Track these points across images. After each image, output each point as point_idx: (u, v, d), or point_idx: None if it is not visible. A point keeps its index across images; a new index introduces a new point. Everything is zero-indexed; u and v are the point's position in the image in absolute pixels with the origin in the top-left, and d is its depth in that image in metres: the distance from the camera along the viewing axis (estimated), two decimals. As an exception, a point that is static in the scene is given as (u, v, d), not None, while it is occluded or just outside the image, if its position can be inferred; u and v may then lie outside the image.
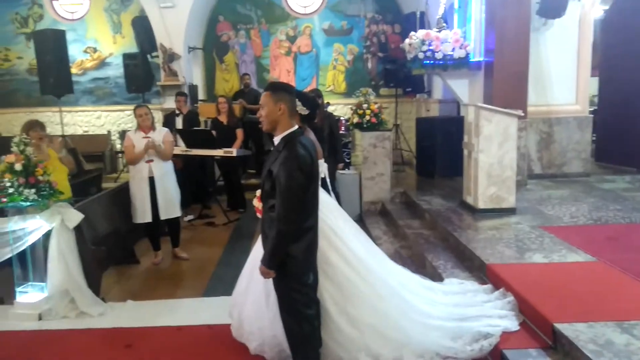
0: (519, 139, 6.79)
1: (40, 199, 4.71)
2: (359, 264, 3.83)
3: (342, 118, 10.32)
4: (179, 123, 8.76)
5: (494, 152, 5.93)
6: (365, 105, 7.77)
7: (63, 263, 4.83)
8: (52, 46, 10.48)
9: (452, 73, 8.04)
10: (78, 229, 4.99)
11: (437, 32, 7.86)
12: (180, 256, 6.55)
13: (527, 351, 3.39)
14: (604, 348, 3.05)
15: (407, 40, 8.19)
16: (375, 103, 7.91)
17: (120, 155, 12.52)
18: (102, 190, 7.90)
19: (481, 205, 6.03)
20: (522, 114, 6.24)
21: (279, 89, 3.42)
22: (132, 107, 12.41)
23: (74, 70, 12.29)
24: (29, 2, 12.82)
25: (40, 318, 4.80)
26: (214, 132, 8.18)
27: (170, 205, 6.28)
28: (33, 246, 4.87)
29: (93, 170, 9.41)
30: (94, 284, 5.09)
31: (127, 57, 11.53)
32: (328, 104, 10.37)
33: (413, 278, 4.39)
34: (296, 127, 3.41)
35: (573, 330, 3.25)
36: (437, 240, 5.80)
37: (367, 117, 7.71)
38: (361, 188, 7.95)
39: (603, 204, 6.39)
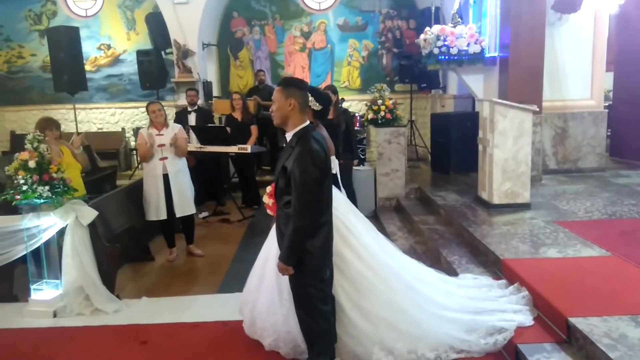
0: (534, 134, 6.75)
1: (54, 196, 4.74)
2: (372, 259, 3.84)
3: (357, 114, 10.32)
4: (191, 119, 8.76)
5: (509, 147, 5.90)
6: (380, 101, 7.75)
7: (77, 260, 4.86)
8: (65, 43, 10.52)
9: (467, 68, 8.00)
10: (92, 226, 5.02)
11: (452, 27, 7.82)
12: (195, 253, 6.58)
13: (542, 345, 3.39)
14: (618, 342, 3.05)
15: (422, 36, 8.16)
16: (390, 99, 7.89)
17: (134, 152, 12.60)
18: (117, 187, 7.96)
19: (496, 200, 6.00)
20: (537, 109, 6.20)
21: (290, 84, 3.43)
22: (146, 104, 12.59)
23: (87, 67, 12.35)
24: (42, -1, 12.94)
25: (55, 315, 4.84)
26: (228, 129, 8.21)
27: (185, 203, 6.30)
28: (47, 243, 4.90)
29: (107, 168, 9.47)
30: (109, 281, 5.12)
31: (141, 53, 11.55)
32: (343, 100, 10.36)
33: (427, 271, 4.39)
34: (308, 122, 3.42)
35: (587, 325, 3.25)
36: (452, 235, 5.79)
37: (382, 113, 7.70)
38: (376, 184, 7.94)
39: (618, 198, 6.35)
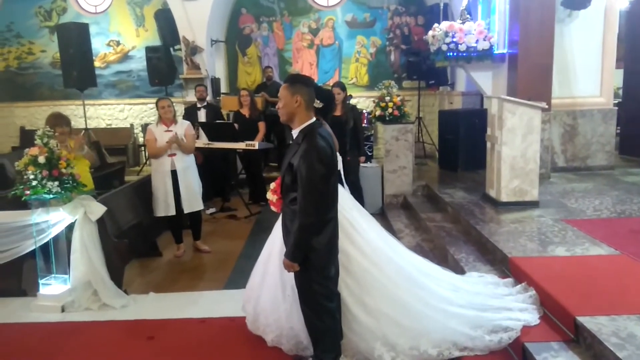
0: (543, 131, 6.72)
1: (63, 192, 4.76)
2: (375, 254, 3.83)
3: (364, 111, 10.30)
4: (201, 116, 8.77)
5: (517, 144, 5.87)
6: (387, 98, 7.74)
7: (86, 255, 4.89)
8: (75, 39, 10.57)
9: (476, 65, 7.97)
10: (101, 222, 5.04)
11: (461, 23, 7.79)
12: (202, 249, 6.59)
13: (549, 344, 3.38)
14: (626, 341, 3.03)
15: (430, 32, 8.14)
16: (398, 96, 7.88)
17: (142, 148, 12.64)
18: (125, 183, 7.99)
19: (504, 198, 5.98)
20: (546, 106, 6.16)
21: (296, 81, 3.44)
22: (154, 100, 12.62)
23: (97, 64, 12.37)
24: (52, -5, 12.98)
25: (63, 310, 4.87)
26: (235, 125, 8.22)
27: (193, 199, 6.32)
28: (56, 238, 4.93)
29: (116, 164, 9.49)
30: (117, 276, 5.15)
31: (149, 50, 11.57)
32: (350, 96, 10.35)
33: (433, 266, 4.38)
34: (314, 119, 3.42)
35: (595, 324, 3.23)
36: (459, 233, 5.77)
37: (390, 110, 7.69)
38: (383, 181, 7.93)
39: (627, 197, 6.31)
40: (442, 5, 9.51)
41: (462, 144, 8.56)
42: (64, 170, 4.76)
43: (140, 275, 5.93)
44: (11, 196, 4.89)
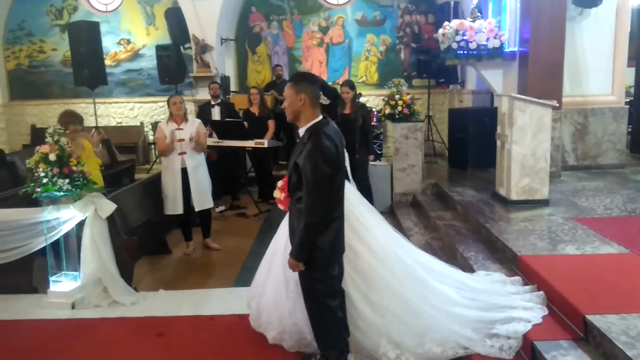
0: (554, 130, 6.68)
1: (73, 189, 4.79)
2: (382, 251, 3.83)
3: (374, 109, 10.28)
4: (215, 113, 8.77)
5: (527, 143, 5.85)
6: (397, 96, 7.72)
7: (96, 252, 4.92)
8: (86, 38, 10.63)
9: (486, 63, 7.95)
10: (111, 219, 5.07)
11: (471, 21, 7.76)
12: (211, 246, 6.61)
13: (558, 342, 3.36)
14: (636, 340, 3.01)
15: (440, 31, 8.12)
16: (408, 94, 7.85)
17: (152, 146, 12.69)
18: (135, 181, 8.02)
19: (514, 196, 5.95)
20: (557, 105, 6.13)
21: (301, 79, 3.43)
22: (165, 98, 12.61)
23: (107, 62, 12.44)
24: (63, -6, 13.07)
25: (73, 307, 4.90)
26: (245, 123, 8.23)
27: (204, 197, 6.33)
28: (66, 236, 4.96)
29: (126, 161, 9.53)
30: (127, 273, 5.18)
31: (160, 48, 11.62)
32: (360, 95, 10.33)
33: (440, 264, 4.37)
34: (320, 117, 3.40)
35: (605, 322, 3.21)
36: (469, 232, 5.76)
37: (399, 108, 7.66)
38: (392, 179, 7.92)
39: (638, 195, 6.28)
40: (452, 3, 9.46)
41: (472, 143, 8.53)
42: (74, 168, 4.79)
43: (150, 273, 5.95)
44: (22, 193, 4.93)
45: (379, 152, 9.11)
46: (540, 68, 7.15)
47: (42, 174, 4.70)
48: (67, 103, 12.67)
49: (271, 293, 3.97)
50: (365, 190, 7.18)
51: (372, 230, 3.89)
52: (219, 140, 7.98)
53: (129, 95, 13.21)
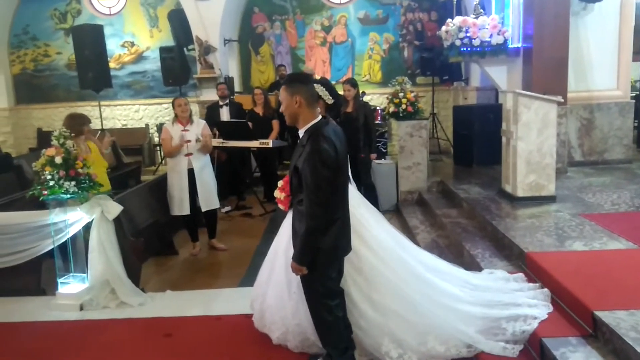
0: (559, 125, 6.66)
1: (80, 192, 4.80)
2: (383, 251, 3.82)
3: (378, 108, 10.27)
4: (223, 114, 8.76)
5: (533, 139, 5.83)
6: (401, 94, 7.71)
7: (103, 254, 4.94)
8: (90, 41, 10.68)
9: (490, 60, 7.92)
10: (117, 221, 5.09)
11: (475, 18, 7.74)
12: (218, 247, 6.61)
13: (567, 339, 3.34)
14: (645, 336, 3.00)
15: (443, 28, 8.10)
16: (412, 92, 7.84)
17: (158, 148, 12.72)
18: (141, 182, 8.04)
19: (520, 193, 5.94)
20: (562, 100, 6.10)
21: (293, 81, 3.39)
22: (169, 100, 12.63)
23: (112, 65, 12.50)
24: (67, -2, 13.10)
25: (81, 308, 4.92)
26: (250, 124, 8.24)
27: (211, 197, 6.35)
28: (74, 238, 4.98)
29: (132, 163, 9.55)
30: (134, 274, 5.19)
31: (163, 50, 11.65)
32: (364, 93, 10.33)
33: (441, 262, 4.36)
34: (319, 117, 3.35)
35: (614, 318, 3.20)
36: (475, 229, 5.74)
37: (403, 106, 7.65)
38: (398, 178, 7.91)
39: (645, 190, 6.25)
40: (455, 0, 9.45)
41: (477, 140, 8.50)
42: (80, 170, 4.80)
43: (157, 274, 5.96)
44: (29, 196, 4.96)
45: (384, 150, 9.10)
46: (545, 64, 7.13)
47: (49, 177, 4.72)
48: (73, 106, 12.73)
49: (274, 294, 3.97)
50: (369, 189, 7.16)
51: (372, 230, 3.88)
52: (224, 141, 7.98)
53: (133, 97, 13.25)
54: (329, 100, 3.84)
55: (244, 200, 8.86)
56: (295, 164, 3.28)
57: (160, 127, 12.84)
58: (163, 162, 11.77)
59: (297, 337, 3.84)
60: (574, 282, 3.76)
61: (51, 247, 4.97)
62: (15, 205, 5.84)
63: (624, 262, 4.11)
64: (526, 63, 7.47)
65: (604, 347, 3.20)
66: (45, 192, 4.75)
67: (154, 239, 5.98)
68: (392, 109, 7.77)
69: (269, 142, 7.89)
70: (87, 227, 4.96)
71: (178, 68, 11.45)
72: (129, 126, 13.24)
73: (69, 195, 4.79)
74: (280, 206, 3.82)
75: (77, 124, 5.54)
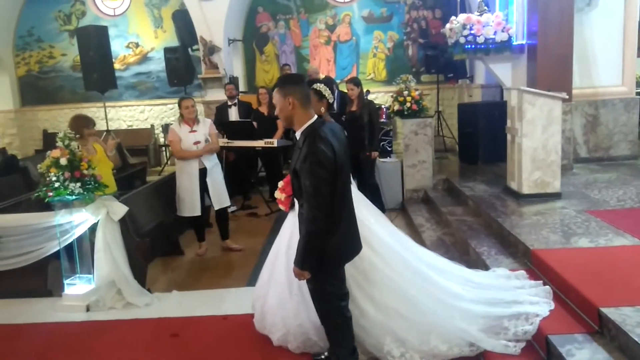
0: (564, 122, 6.64)
1: (85, 193, 4.81)
2: (383, 249, 3.81)
3: (382, 106, 10.26)
4: (232, 114, 8.76)
5: (538, 136, 5.81)
6: (405, 92, 7.70)
7: (109, 255, 4.95)
8: (95, 42, 10.69)
9: (495, 57, 7.91)
10: (123, 222, 5.10)
11: (479, 15, 7.72)
12: (233, 247, 6.57)
13: (573, 336, 3.33)
14: (652, 332, 2.98)
15: (447, 25, 8.09)
16: (416, 90, 7.82)
17: (163, 148, 12.75)
18: (147, 183, 8.06)
19: (525, 190, 5.92)
20: (566, 97, 6.08)
21: (286, 82, 3.36)
22: (174, 100, 12.71)
23: (117, 66, 12.52)
24: (71, -1, 13.14)
25: (88, 309, 4.93)
26: (254, 123, 8.25)
27: (222, 195, 6.36)
28: (80, 239, 4.99)
29: (137, 164, 9.60)
30: (140, 275, 5.21)
31: (168, 51, 11.66)
32: (368, 91, 10.30)
33: (443, 260, 4.35)
34: (315, 117, 3.29)
35: (620, 315, 3.19)
36: (481, 226, 5.73)
37: (408, 104, 7.64)
38: (403, 176, 7.90)
39: (651, 186, 6.22)
40: (459, -3, 9.46)
41: (482, 137, 8.48)
42: (85, 172, 4.81)
43: (163, 274, 5.98)
44: (35, 198, 4.97)
45: (389, 148, 9.09)
46: (549, 60, 7.10)
47: (54, 179, 4.73)
48: (78, 107, 12.77)
49: (275, 294, 3.96)
50: (373, 190, 7.15)
51: (373, 229, 3.87)
52: (229, 141, 7.99)
53: (138, 98, 13.28)
54: (331, 99, 3.82)
55: (250, 199, 8.88)
56: (294, 167, 3.23)
57: (165, 128, 12.87)
58: (168, 162, 11.81)
59: (299, 337, 3.83)
60: (579, 279, 3.75)
61: (57, 248, 4.98)
62: (21, 207, 5.88)
63: (630, 259, 4.09)
64: (531, 60, 7.45)
65: (610, 343, 3.19)
66: (51, 194, 4.76)
67: (159, 240, 5.99)
68: (396, 107, 7.76)
69: (274, 142, 7.89)
70: (93, 229, 4.97)
71: (183, 68, 11.46)
72: (134, 127, 13.27)
73: (74, 197, 4.79)
74: (281, 207, 3.82)
75: (78, 126, 5.55)
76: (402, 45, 12.44)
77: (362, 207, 4.00)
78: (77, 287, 5.07)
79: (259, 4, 12.58)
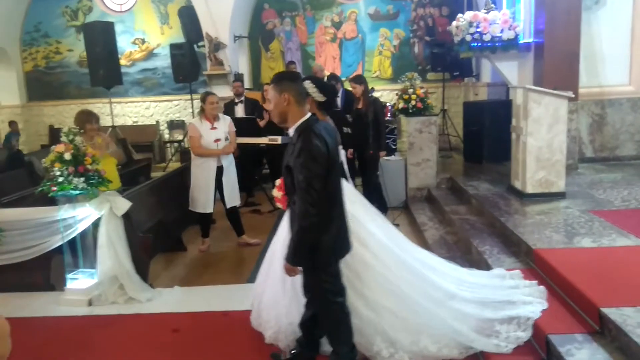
0: (570, 121, 6.61)
1: (89, 188, 4.83)
2: (377, 247, 3.80)
3: (388, 104, 10.23)
4: (238, 111, 8.75)
5: (543, 135, 5.78)
6: (410, 90, 7.68)
7: (112, 250, 4.97)
8: (101, 38, 10.71)
9: (501, 55, 7.84)
10: (126, 217, 5.11)
11: (485, 13, 7.68)
12: (252, 242, 6.54)
13: (573, 336, 3.31)
14: (653, 333, 2.96)
15: (454, 23, 8.04)
16: (421, 88, 7.80)
17: (168, 145, 12.78)
18: (151, 179, 8.07)
19: (529, 189, 5.89)
20: (572, 96, 6.04)
21: (282, 78, 3.35)
22: (179, 97, 12.76)
23: (123, 62, 12.53)
24: (78, -5, 13.17)
25: (90, 304, 4.96)
26: (258, 120, 8.24)
27: (234, 194, 6.40)
28: (83, 234, 5.02)
29: (142, 160, 9.62)
30: (142, 270, 5.22)
31: (174, 47, 11.65)
32: (373, 89, 10.29)
33: (438, 259, 4.34)
34: (308, 115, 3.30)
35: (620, 315, 3.17)
36: (484, 225, 5.71)
37: (413, 102, 7.62)
38: (407, 174, 7.88)
39: (657, 187, 6.18)
40: (465, -5, 9.41)
41: (487, 136, 8.46)
42: (89, 167, 4.83)
43: (165, 270, 6.00)
44: (38, 193, 4.99)
45: (393, 146, 9.06)
46: (556, 59, 7.06)
47: (58, 173, 4.74)
48: (84, 103, 12.78)
49: (271, 292, 3.99)
50: (375, 189, 7.13)
51: (367, 227, 3.85)
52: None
53: (144, 94, 13.29)
54: (319, 98, 3.80)
55: (253, 197, 8.87)
56: (287, 162, 3.23)
57: (171, 124, 12.91)
58: (173, 158, 11.84)
59: (290, 336, 3.84)
60: (580, 279, 3.73)
61: (60, 243, 5.01)
62: (26, 202, 5.90)
63: (632, 259, 4.07)
64: (537, 58, 7.41)
65: (610, 344, 3.17)
66: (55, 188, 4.78)
67: (162, 235, 6.00)
68: (401, 105, 7.74)
69: (278, 139, 7.88)
70: (96, 223, 4.99)
71: (188, 65, 11.45)
72: (139, 123, 13.28)
73: (78, 192, 4.81)
74: (279, 205, 3.81)
75: (80, 121, 5.58)
76: (408, 42, 12.40)
77: (358, 204, 3.99)
78: (79, 281, 5.10)
79: (265, 1, 12.57)
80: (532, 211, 5.51)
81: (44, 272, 5.34)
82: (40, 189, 4.93)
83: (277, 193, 3.73)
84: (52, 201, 5.03)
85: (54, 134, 12.57)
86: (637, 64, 7.75)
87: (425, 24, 12.30)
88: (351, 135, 7.06)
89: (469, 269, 4.47)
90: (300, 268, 3.30)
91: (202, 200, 6.19)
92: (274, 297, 3.93)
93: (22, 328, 4.58)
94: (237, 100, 8.75)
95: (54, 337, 4.43)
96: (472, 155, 8.85)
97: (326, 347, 3.66)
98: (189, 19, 11.51)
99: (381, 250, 3.82)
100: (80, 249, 5.08)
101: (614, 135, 7.86)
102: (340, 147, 4.28)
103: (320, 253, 3.24)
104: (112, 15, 12.94)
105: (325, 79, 8.69)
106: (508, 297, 3.85)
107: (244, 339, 4.17)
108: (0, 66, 13.23)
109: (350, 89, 7.44)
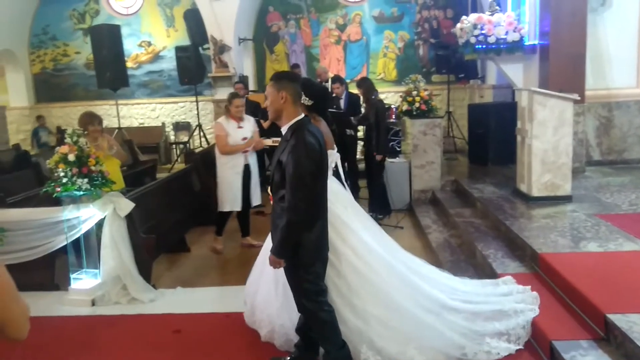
0: (577, 124, 6.56)
1: (93, 188, 4.83)
2: (368, 254, 3.75)
3: (392, 106, 10.19)
4: None
5: (548, 137, 5.74)
6: (414, 92, 7.65)
7: (115, 250, 4.98)
8: (108, 41, 10.77)
9: (506, 57, 7.80)
10: (130, 218, 5.12)
11: (490, 15, 7.64)
12: (254, 244, 6.48)
13: (578, 342, 3.28)
14: (659, 340, 2.92)
15: (458, 25, 8.01)
16: (425, 90, 7.77)
17: (174, 146, 12.81)
18: (157, 180, 8.07)
19: (535, 193, 5.85)
20: (578, 98, 5.99)
21: (281, 77, 3.40)
22: (185, 99, 12.82)
23: (129, 64, 12.61)
24: (85, -2, 13.22)
25: (93, 304, 4.96)
26: (262, 121, 8.22)
27: (259, 192, 6.48)
28: (87, 234, 5.02)
29: (148, 161, 9.62)
30: (145, 271, 5.22)
31: (179, 49, 11.71)
32: (376, 92, 10.24)
33: (430, 268, 4.29)
34: (302, 115, 3.36)
35: (626, 322, 3.13)
36: (488, 229, 5.67)
37: (417, 105, 7.59)
38: (411, 176, 7.85)
39: (665, 191, 6.12)
40: (470, -3, 9.38)
41: (493, 138, 8.41)
42: (93, 168, 4.85)
43: (168, 270, 5.99)
44: (43, 193, 5.00)
45: (397, 149, 9.02)
46: (562, 61, 7.02)
47: (62, 174, 4.76)
48: (91, 105, 12.83)
49: (264, 292, 4.02)
50: (380, 189, 7.09)
51: (359, 233, 3.81)
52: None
53: (150, 96, 13.36)
54: (305, 101, 3.79)
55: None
56: (279, 157, 3.26)
57: (176, 126, 12.96)
58: (178, 159, 11.84)
59: (281, 337, 3.88)
60: (586, 284, 3.69)
61: (64, 243, 5.02)
62: (32, 202, 5.91)
63: (639, 264, 4.02)
64: (543, 60, 7.37)
65: (616, 351, 3.13)
66: (59, 189, 4.79)
67: (166, 236, 6.00)
68: (405, 107, 7.71)
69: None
70: (100, 224, 5.00)
71: (193, 67, 11.50)
72: (145, 125, 13.36)
73: (81, 192, 4.82)
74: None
75: (83, 122, 5.61)
76: (413, 45, 12.40)
77: (350, 209, 3.96)
78: (83, 281, 5.10)
79: (270, 4, 12.59)
80: (537, 215, 5.46)
81: (48, 272, 5.35)
82: (44, 189, 4.96)
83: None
84: (57, 202, 5.04)
85: (62, 136, 12.59)
86: (645, 66, 7.71)
87: (429, 26, 12.29)
88: (355, 138, 7.03)
89: (461, 278, 4.42)
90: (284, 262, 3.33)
91: (231, 198, 6.23)
92: (267, 297, 3.97)
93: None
94: None
95: (57, 337, 4.43)
96: (477, 158, 8.81)
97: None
98: (194, 21, 11.56)
99: (372, 257, 3.77)
100: (84, 250, 5.08)
101: (621, 138, 7.81)
102: (335, 150, 4.26)
103: (306, 251, 3.28)
104: (118, 18, 13.02)
105: (330, 81, 8.67)
106: (500, 305, 3.80)
107: (245, 340, 4.16)
108: (8, 68, 13.33)
109: (353, 91, 7.41)
